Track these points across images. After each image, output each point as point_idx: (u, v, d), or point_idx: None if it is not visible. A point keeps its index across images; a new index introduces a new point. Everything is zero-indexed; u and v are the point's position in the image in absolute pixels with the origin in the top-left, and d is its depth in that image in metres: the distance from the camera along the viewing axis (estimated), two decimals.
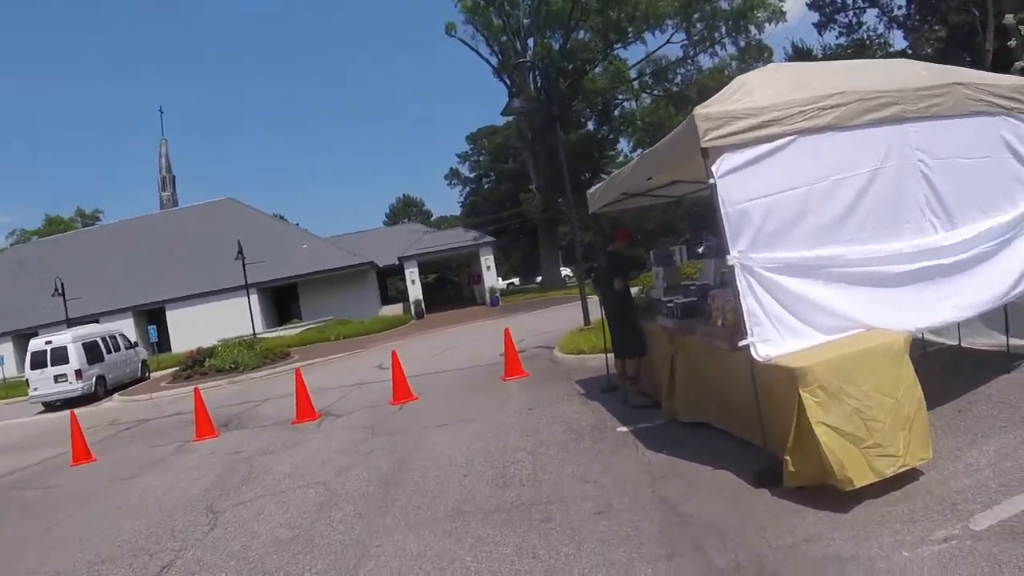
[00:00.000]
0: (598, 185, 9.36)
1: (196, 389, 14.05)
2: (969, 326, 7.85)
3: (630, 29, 44.03)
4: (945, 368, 7.83)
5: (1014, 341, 7.91)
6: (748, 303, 5.31)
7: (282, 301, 46.02)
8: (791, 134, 5.50)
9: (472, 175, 78.86)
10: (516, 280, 70.78)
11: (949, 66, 7.51)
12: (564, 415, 8.86)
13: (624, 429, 7.73)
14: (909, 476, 5.05)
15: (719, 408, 6.70)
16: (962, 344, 8.53)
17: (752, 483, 5.47)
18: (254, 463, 9.27)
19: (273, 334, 36.96)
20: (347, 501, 6.95)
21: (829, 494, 4.89)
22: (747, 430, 6.03)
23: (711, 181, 5.34)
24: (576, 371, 11.89)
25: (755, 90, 5.76)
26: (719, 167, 5.34)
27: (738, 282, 5.32)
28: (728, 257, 5.32)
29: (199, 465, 9.80)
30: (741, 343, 5.35)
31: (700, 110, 5.45)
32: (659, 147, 6.63)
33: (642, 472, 6.29)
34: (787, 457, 5.10)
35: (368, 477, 7.64)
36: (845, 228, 5.63)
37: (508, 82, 44.84)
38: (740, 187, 5.36)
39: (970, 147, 6.39)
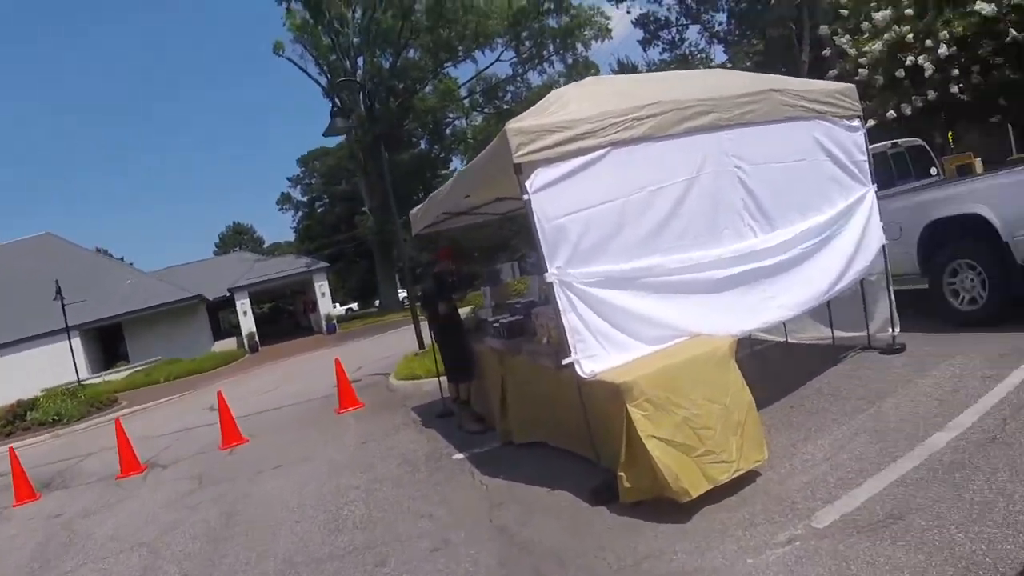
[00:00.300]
0: (420, 206, 9.07)
1: (11, 449, 12.65)
2: (796, 321, 8.06)
3: (460, 48, 44.33)
4: (775, 365, 8.08)
5: (839, 333, 8.27)
6: (569, 319, 5.14)
7: (108, 343, 42.60)
8: (606, 146, 5.39)
9: (304, 199, 76.82)
10: (354, 305, 69.21)
11: (764, 74, 7.76)
12: (399, 446, 8.51)
13: (460, 456, 7.48)
14: (747, 479, 5.03)
15: (552, 426, 6.54)
16: (789, 340, 8.82)
17: (590, 501, 5.31)
18: (76, 527, 8.39)
19: (99, 379, 34.26)
20: (172, 562, 6.34)
21: (668, 506, 4.79)
22: (582, 447, 5.87)
23: (525, 197, 5.12)
24: (412, 398, 11.54)
25: (571, 102, 5.64)
26: (533, 182, 5.13)
27: (558, 299, 5.14)
28: (546, 274, 5.14)
29: (18, 534, 8.78)
30: (565, 361, 5.18)
31: (512, 124, 5.24)
32: (475, 164, 6.43)
33: (479, 500, 6.05)
34: (621, 473, 4.96)
35: (195, 533, 7.03)
36: (664, 237, 5.58)
37: (338, 102, 44.02)
38: (555, 202, 5.18)
39: (785, 151, 6.58)
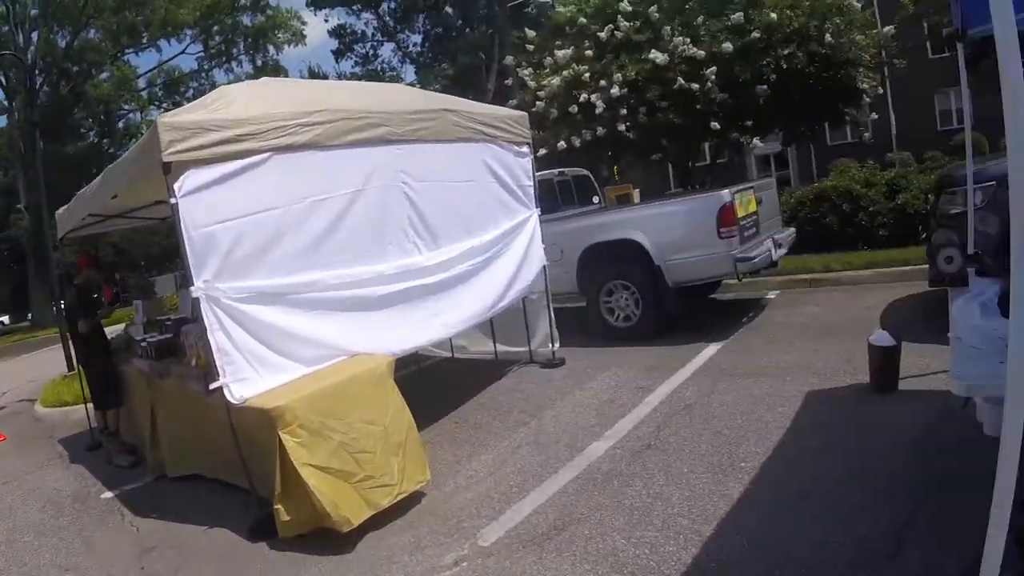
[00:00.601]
0: (66, 206, 7.95)
1: None
2: (462, 336, 8.16)
3: (145, 34, 40.70)
4: (441, 381, 8.14)
5: (503, 348, 8.50)
6: (218, 339, 4.65)
7: None
8: (268, 150, 4.99)
9: None
10: (5, 318, 60.34)
11: (441, 94, 7.81)
12: (44, 486, 7.37)
13: (109, 495, 6.60)
14: (412, 501, 4.90)
15: (207, 457, 5.97)
16: (455, 355, 8.93)
17: (249, 538, 4.87)
18: None
19: None
20: None
21: (332, 536, 4.51)
22: (238, 478, 5.38)
23: (173, 201, 4.55)
24: (60, 428, 10.12)
25: (236, 101, 5.18)
26: (183, 184, 4.57)
27: (204, 316, 4.62)
28: (192, 288, 4.60)
29: None
30: (213, 385, 4.68)
31: (166, 119, 4.67)
32: (123, 161, 5.78)
33: (130, 546, 5.33)
34: (278, 506, 4.58)
35: None
36: (324, 251, 5.31)
37: (2, 80, 38.35)
38: (207, 208, 4.67)
39: (455, 171, 6.63)
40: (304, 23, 43.43)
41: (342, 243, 5.42)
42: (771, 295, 10.41)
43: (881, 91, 16.85)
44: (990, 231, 6.43)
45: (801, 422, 5.36)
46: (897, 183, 12.21)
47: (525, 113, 8.07)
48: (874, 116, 16.29)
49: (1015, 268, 1.85)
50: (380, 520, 4.67)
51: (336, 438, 4.60)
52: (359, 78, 41.59)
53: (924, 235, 9.88)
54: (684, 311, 8.79)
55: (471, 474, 5.34)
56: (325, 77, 43.77)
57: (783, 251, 9.17)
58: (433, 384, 7.91)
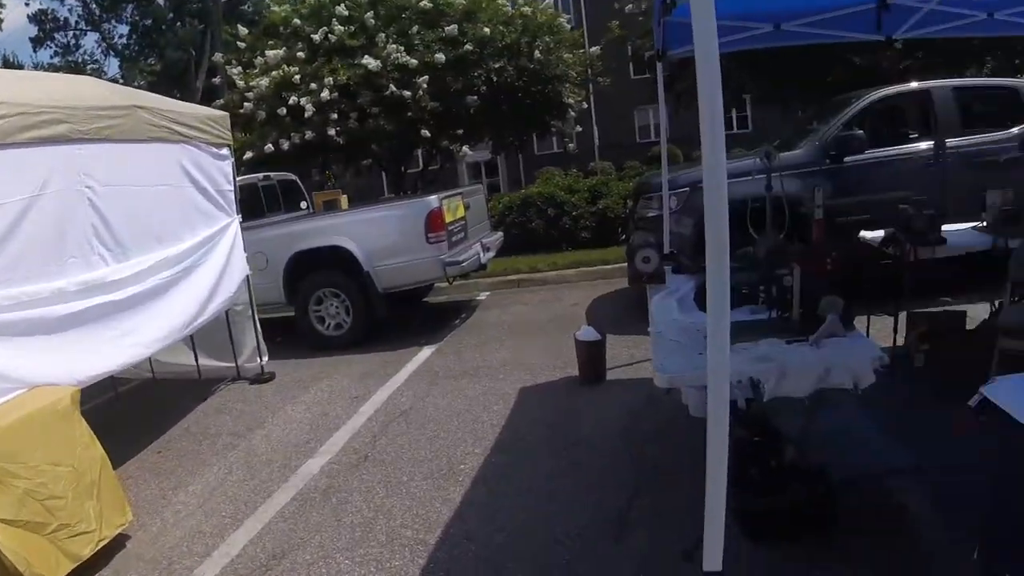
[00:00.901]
0: None
1: None
2: (162, 354, 7.31)
3: None
4: (141, 406, 7.44)
5: (209, 364, 7.91)
6: None
7: None
8: None
9: None
10: None
11: (133, 89, 7.17)
12: None
13: None
14: (116, 546, 4.39)
15: None
16: (156, 376, 8.10)
17: None
18: None
19: None
20: None
21: None
22: None
23: None
24: None
25: None
26: None
27: None
28: None
29: None
30: None
31: None
32: None
33: None
34: None
35: None
36: None
37: None
38: None
39: (147, 174, 6.08)
40: (2, 5, 38.35)
41: (14, 257, 4.66)
42: (482, 296, 10.82)
43: (586, 106, 18.32)
44: (684, 232, 7.25)
45: (515, 419, 5.58)
46: (598, 190, 13.35)
47: (225, 113, 7.62)
48: (579, 128, 17.57)
49: (710, 262, 2.01)
50: (83, 572, 4.15)
51: (20, 485, 3.96)
52: (57, 69, 37.48)
53: (623, 237, 10.80)
54: (396, 316, 8.82)
55: (179, 508, 4.91)
56: (21, 66, 38.88)
57: (491, 254, 9.55)
58: (133, 411, 7.21)
